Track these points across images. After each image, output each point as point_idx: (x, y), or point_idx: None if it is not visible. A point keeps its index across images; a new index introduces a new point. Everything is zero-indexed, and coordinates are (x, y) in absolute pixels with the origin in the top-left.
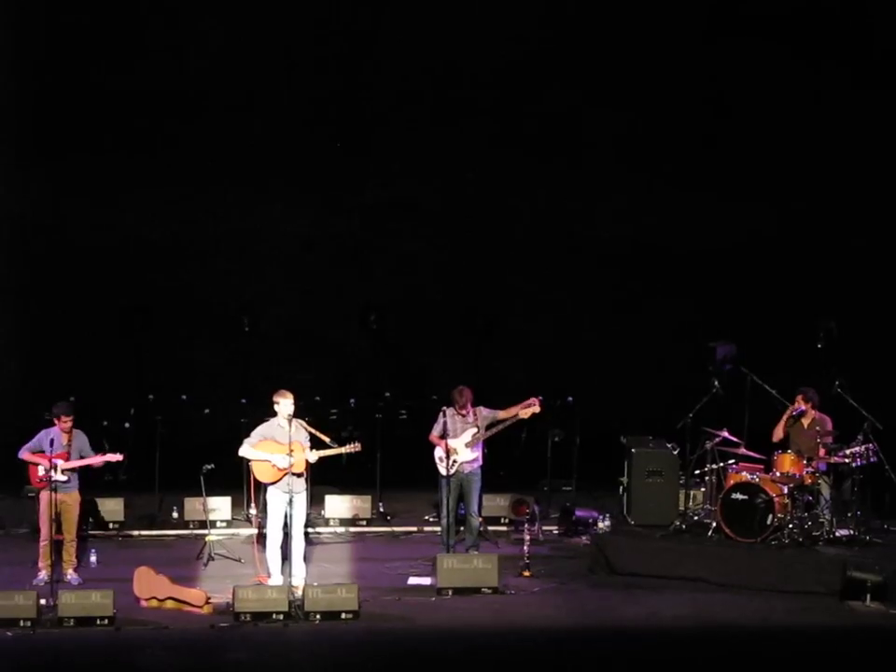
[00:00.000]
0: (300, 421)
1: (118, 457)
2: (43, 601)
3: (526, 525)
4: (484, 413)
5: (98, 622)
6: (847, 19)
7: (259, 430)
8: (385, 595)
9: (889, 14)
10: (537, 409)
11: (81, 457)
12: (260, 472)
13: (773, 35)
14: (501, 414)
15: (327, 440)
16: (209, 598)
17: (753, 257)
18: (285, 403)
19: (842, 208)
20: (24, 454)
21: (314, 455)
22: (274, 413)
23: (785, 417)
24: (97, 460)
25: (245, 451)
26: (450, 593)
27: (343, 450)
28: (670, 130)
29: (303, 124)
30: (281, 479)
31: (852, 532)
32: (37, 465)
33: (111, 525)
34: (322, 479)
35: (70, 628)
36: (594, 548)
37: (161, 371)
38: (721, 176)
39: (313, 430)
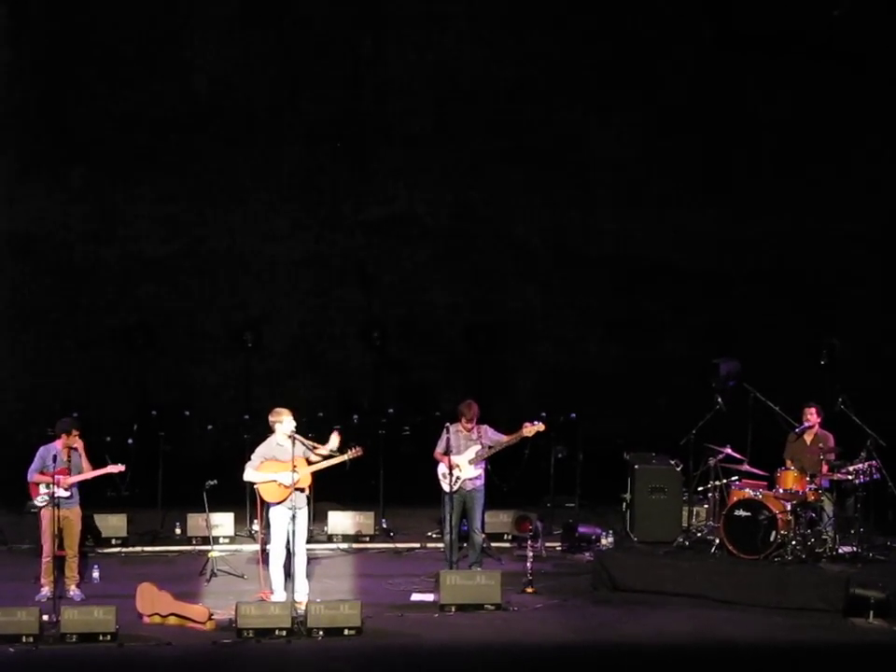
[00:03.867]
0: (297, 435)
1: (119, 468)
2: (45, 617)
3: (529, 542)
4: (490, 433)
5: (100, 638)
6: (853, 37)
7: (260, 451)
8: (387, 611)
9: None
10: (541, 427)
11: (78, 471)
12: (267, 493)
13: (776, 54)
14: (505, 439)
15: (327, 451)
16: (212, 614)
17: (757, 274)
18: (287, 421)
19: (846, 225)
20: (34, 476)
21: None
22: (271, 432)
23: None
24: (99, 472)
25: (249, 475)
26: (453, 609)
27: (345, 456)
28: (676, 148)
29: (306, 141)
30: (288, 497)
31: (855, 549)
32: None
33: (113, 542)
34: (325, 495)
35: (72, 644)
36: (597, 564)
37: (164, 388)
38: (725, 195)
39: (311, 443)
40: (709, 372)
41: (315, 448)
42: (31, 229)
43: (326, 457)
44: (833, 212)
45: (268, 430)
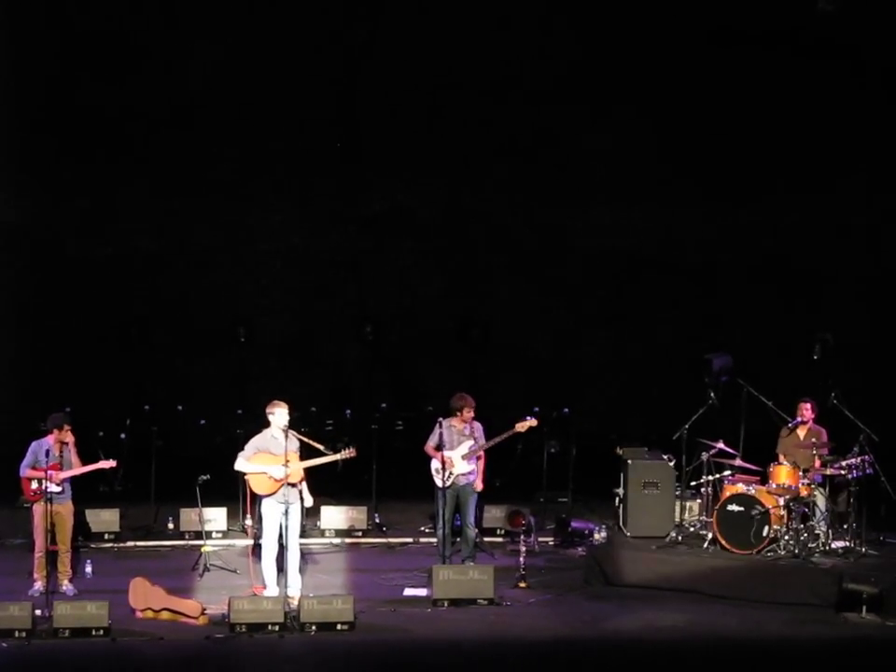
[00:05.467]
0: (291, 430)
1: (111, 464)
2: (38, 612)
3: (522, 537)
4: (481, 432)
5: (93, 632)
6: (848, 32)
7: (253, 443)
8: (380, 606)
9: (886, 28)
10: (533, 422)
11: (70, 466)
12: (257, 485)
13: (771, 48)
14: (490, 443)
15: (321, 447)
16: (205, 609)
17: (750, 268)
18: (280, 413)
19: (839, 220)
20: (27, 471)
21: (308, 499)
22: (268, 424)
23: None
24: (91, 467)
25: (240, 465)
26: (446, 604)
27: (338, 456)
28: (668, 143)
29: (299, 136)
30: (278, 490)
31: (848, 544)
32: (40, 480)
33: (106, 536)
34: (318, 490)
35: (65, 639)
36: (589, 559)
37: (157, 382)
38: (717, 189)
39: (306, 439)
40: (702, 367)
41: (310, 443)
42: (24, 224)
43: (320, 455)
44: (827, 207)
45: (262, 425)
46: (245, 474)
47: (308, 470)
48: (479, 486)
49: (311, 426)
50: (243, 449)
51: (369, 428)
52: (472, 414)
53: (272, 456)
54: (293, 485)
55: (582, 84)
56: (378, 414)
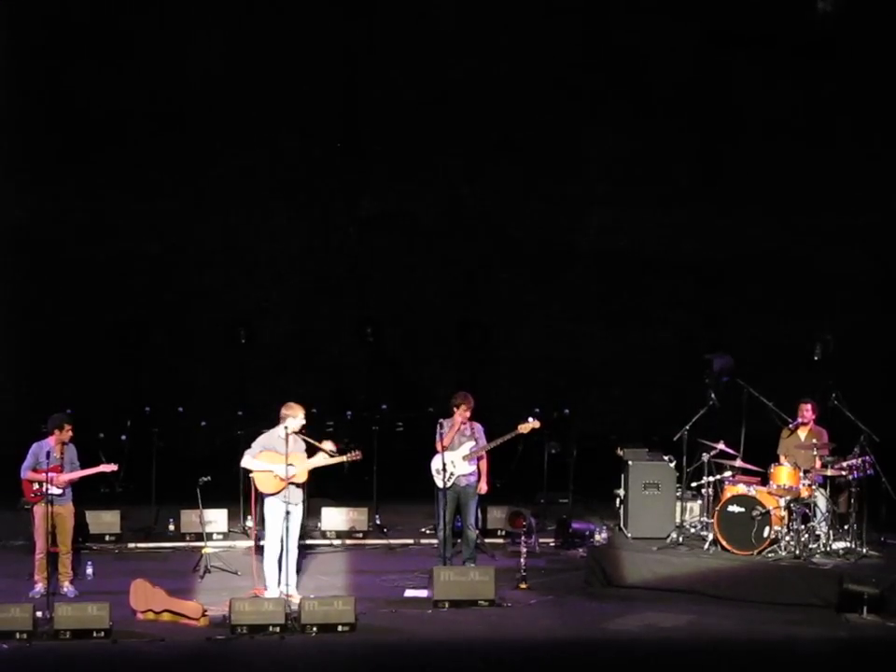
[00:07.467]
0: (299, 435)
1: (112, 467)
2: (39, 614)
3: (523, 538)
4: (478, 435)
5: (94, 634)
6: (845, 38)
7: (260, 441)
8: (381, 607)
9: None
10: (536, 424)
11: (72, 468)
12: (262, 483)
13: (771, 49)
14: (489, 446)
15: (327, 449)
16: (205, 611)
17: (751, 269)
18: (299, 417)
19: (838, 220)
20: (28, 473)
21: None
22: (276, 423)
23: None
24: (92, 471)
25: (247, 462)
26: (446, 605)
27: (344, 458)
28: (668, 142)
29: (300, 138)
30: (282, 489)
31: (849, 545)
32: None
33: (107, 538)
34: (319, 491)
35: (66, 641)
36: (590, 560)
37: (158, 384)
38: (718, 189)
39: (312, 441)
40: (702, 368)
41: (315, 445)
42: (24, 225)
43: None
44: (827, 206)
45: (265, 425)
46: (250, 472)
47: (312, 471)
48: (483, 489)
49: (312, 427)
50: (243, 452)
51: (369, 429)
52: (469, 414)
53: (277, 455)
54: (297, 486)
55: (583, 84)
56: (378, 415)
